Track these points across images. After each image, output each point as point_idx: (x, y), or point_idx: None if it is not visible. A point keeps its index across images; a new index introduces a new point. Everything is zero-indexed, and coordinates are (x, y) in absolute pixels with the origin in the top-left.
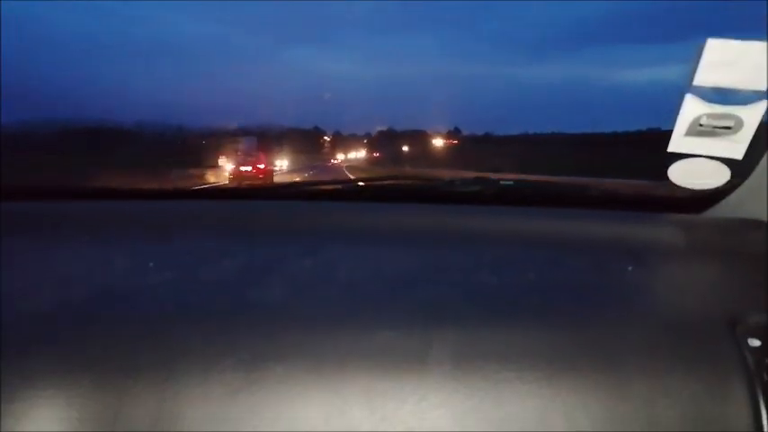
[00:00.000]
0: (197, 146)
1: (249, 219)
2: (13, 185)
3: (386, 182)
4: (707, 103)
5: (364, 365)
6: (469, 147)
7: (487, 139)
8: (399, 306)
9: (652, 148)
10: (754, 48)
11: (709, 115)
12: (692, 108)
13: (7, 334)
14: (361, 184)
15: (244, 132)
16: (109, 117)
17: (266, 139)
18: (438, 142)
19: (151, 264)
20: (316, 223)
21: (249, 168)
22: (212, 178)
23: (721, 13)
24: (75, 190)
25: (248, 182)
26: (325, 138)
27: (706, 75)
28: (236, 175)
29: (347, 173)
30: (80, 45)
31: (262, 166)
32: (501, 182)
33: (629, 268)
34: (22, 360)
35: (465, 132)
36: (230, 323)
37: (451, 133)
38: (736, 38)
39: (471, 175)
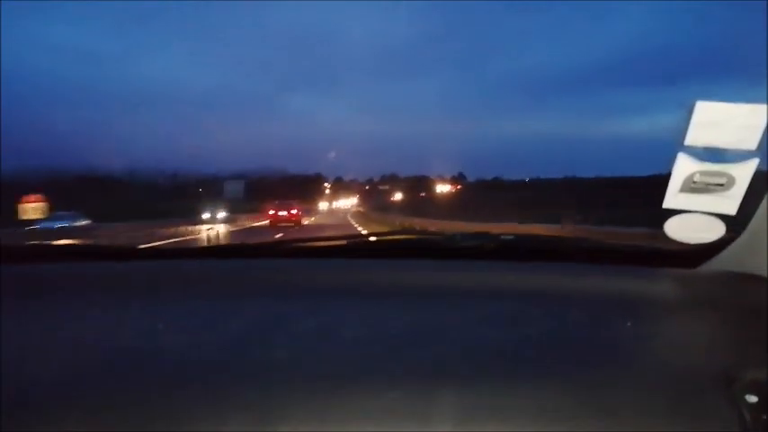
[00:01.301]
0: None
1: (253, 278)
2: (23, 247)
3: (385, 237)
4: (699, 162)
5: (368, 426)
6: (473, 192)
7: (495, 185)
8: (401, 365)
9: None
10: (741, 110)
11: (702, 173)
12: (684, 166)
13: (20, 400)
14: (359, 240)
15: (240, 178)
16: (111, 166)
17: (269, 184)
18: (442, 188)
19: (160, 326)
20: (317, 281)
21: (286, 213)
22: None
23: (717, 58)
24: (82, 251)
25: (285, 223)
26: (326, 184)
27: (696, 135)
28: (276, 218)
29: (350, 219)
30: (83, 96)
31: (295, 212)
32: (501, 236)
33: (628, 324)
34: (35, 428)
35: (470, 178)
36: (237, 385)
37: (456, 179)
38: (733, 81)
39: (472, 228)
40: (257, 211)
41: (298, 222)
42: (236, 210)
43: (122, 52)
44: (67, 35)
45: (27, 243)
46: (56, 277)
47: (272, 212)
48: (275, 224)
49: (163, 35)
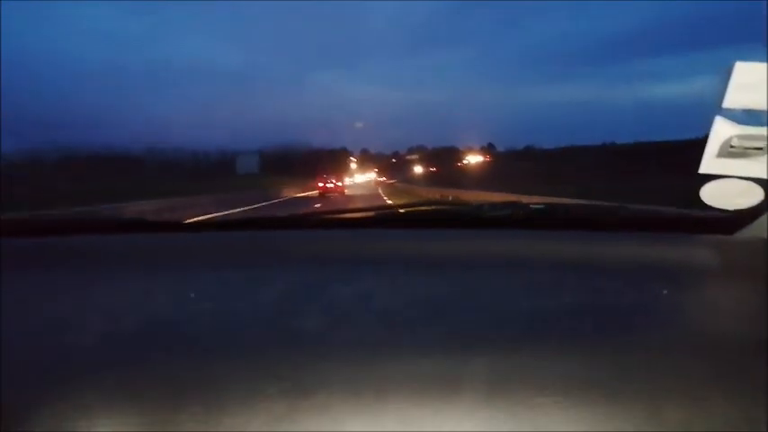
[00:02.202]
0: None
1: (286, 248)
2: (56, 219)
3: (416, 208)
4: (737, 125)
5: (401, 393)
6: (504, 162)
7: (526, 154)
8: (434, 332)
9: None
10: None
11: (740, 136)
12: (722, 130)
13: (54, 369)
14: (390, 211)
15: (256, 152)
16: (129, 145)
17: (294, 159)
18: (472, 159)
19: (192, 294)
20: (347, 251)
21: (333, 185)
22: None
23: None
24: (117, 223)
25: (332, 194)
26: (352, 158)
27: (735, 97)
28: (324, 190)
29: (379, 190)
30: (106, 76)
31: (341, 184)
32: (531, 206)
33: (664, 291)
34: (70, 395)
35: (500, 148)
36: (271, 352)
37: (485, 149)
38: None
39: (501, 198)
40: (282, 186)
41: (342, 193)
42: (250, 185)
43: (146, 32)
44: (92, 15)
45: (67, 216)
46: (87, 248)
47: (321, 185)
48: (324, 194)
49: (187, 14)
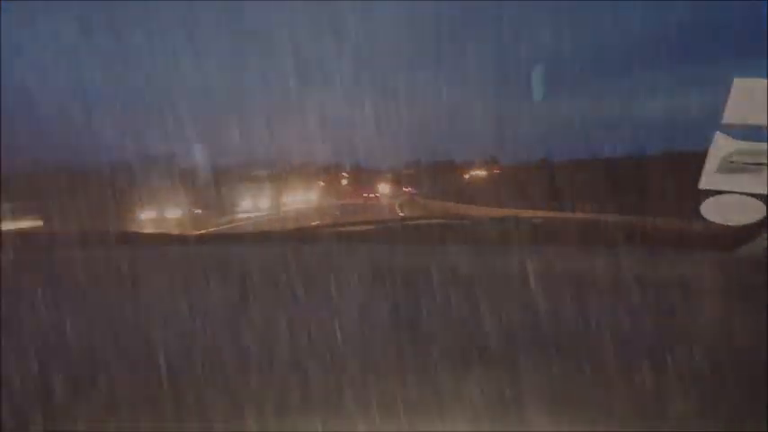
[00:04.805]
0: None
1: (289, 259)
2: (60, 231)
3: (418, 221)
4: (736, 141)
5: (408, 408)
6: (514, 178)
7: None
8: (437, 346)
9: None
10: None
11: (740, 152)
12: (721, 145)
13: (53, 378)
14: (394, 224)
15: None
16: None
17: (288, 175)
18: (472, 174)
19: (187, 309)
20: (350, 264)
21: (370, 195)
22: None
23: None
24: (118, 235)
25: (371, 202)
26: (344, 174)
27: (734, 113)
28: (366, 199)
29: (397, 209)
30: (98, 98)
31: (377, 195)
32: (532, 220)
33: (665, 306)
34: (67, 398)
35: (505, 161)
36: (271, 364)
37: (488, 162)
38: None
39: (500, 212)
40: None
41: (377, 202)
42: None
43: (125, 53)
44: (72, 35)
45: (69, 229)
46: (88, 259)
47: (364, 195)
48: (365, 202)
49: (165, 37)
